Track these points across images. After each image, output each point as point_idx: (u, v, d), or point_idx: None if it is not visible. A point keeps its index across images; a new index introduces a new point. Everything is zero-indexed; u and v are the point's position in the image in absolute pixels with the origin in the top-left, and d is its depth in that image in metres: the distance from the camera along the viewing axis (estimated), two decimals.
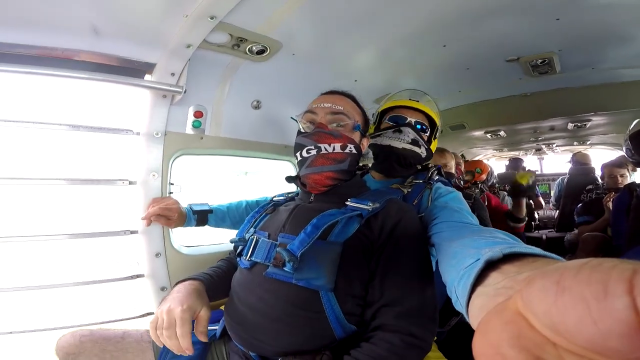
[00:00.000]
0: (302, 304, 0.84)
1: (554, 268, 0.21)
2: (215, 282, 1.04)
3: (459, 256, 0.56)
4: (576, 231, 3.08)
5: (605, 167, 3.12)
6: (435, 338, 1.21)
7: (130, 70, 1.22)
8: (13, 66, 1.03)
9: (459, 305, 0.47)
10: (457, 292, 0.49)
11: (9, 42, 1.02)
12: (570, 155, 4.48)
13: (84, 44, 1.11)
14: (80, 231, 1.39)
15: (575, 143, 4.00)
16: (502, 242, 0.52)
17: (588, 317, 0.17)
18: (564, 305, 0.18)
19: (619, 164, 3.01)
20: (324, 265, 0.84)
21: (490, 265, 0.42)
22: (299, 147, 1.02)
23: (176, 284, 0.98)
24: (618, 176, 2.94)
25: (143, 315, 1.48)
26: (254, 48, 1.32)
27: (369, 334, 0.82)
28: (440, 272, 0.67)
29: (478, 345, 0.23)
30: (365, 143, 1.12)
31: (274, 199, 1.19)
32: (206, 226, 1.45)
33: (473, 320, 0.39)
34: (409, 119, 1.25)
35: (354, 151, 1.03)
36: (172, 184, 1.50)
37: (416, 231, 0.92)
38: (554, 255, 0.40)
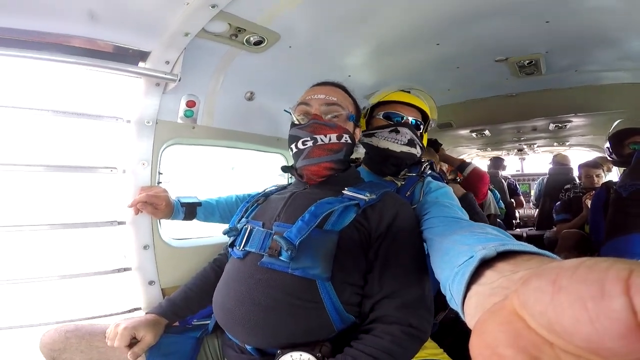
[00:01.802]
0: (299, 294, 0.84)
1: (550, 267, 0.21)
2: (180, 307, 1.09)
3: (451, 253, 0.56)
4: (555, 229, 3.19)
5: (582, 167, 3.26)
6: None
7: (124, 57, 1.19)
8: (3, 50, 0.98)
9: (453, 303, 0.47)
10: (451, 290, 0.49)
11: (2, 26, 0.98)
12: (551, 156, 4.65)
13: (79, 29, 1.07)
14: (65, 221, 1.35)
15: (555, 144, 4.15)
16: (494, 238, 0.52)
17: (585, 317, 0.17)
18: (561, 305, 0.18)
19: (594, 164, 3.16)
20: (320, 254, 0.84)
21: (485, 263, 0.42)
22: (293, 139, 1.02)
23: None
24: (594, 176, 3.09)
25: (130, 311, 1.43)
26: (251, 39, 1.30)
27: (368, 326, 0.83)
28: (433, 268, 0.67)
29: (475, 345, 0.23)
30: (358, 133, 1.11)
31: (266, 190, 1.17)
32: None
33: (469, 319, 0.38)
34: (405, 117, 1.23)
35: (349, 141, 1.03)
36: (162, 174, 1.47)
37: (413, 224, 0.93)
38: (548, 253, 0.40)
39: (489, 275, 0.39)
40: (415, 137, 1.22)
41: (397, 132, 1.20)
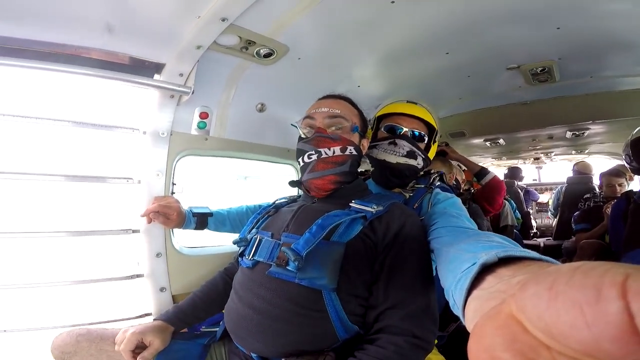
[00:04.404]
0: (305, 303, 0.85)
1: (547, 272, 0.21)
2: (186, 314, 1.10)
3: (456, 261, 0.56)
4: (574, 239, 3.10)
5: (603, 176, 3.16)
6: (437, 342, 1.22)
7: (140, 69, 1.23)
8: (24, 61, 1.03)
9: (456, 308, 0.48)
10: (454, 296, 0.50)
11: (23, 37, 1.03)
12: (569, 164, 4.54)
13: (97, 41, 1.12)
14: (82, 229, 1.39)
15: (573, 152, 4.04)
16: (498, 245, 0.53)
17: (581, 322, 0.17)
18: (557, 309, 0.19)
19: (616, 172, 3.05)
20: (326, 265, 0.85)
21: (486, 269, 0.42)
22: (300, 152, 1.04)
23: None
24: (616, 185, 2.98)
25: (141, 316, 1.46)
26: (261, 51, 1.34)
27: (372, 336, 0.83)
28: (439, 277, 0.67)
29: (473, 349, 0.24)
30: (365, 144, 1.13)
31: (276, 202, 1.20)
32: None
33: (469, 324, 0.39)
34: (404, 129, 1.23)
35: (354, 152, 1.04)
36: (175, 184, 1.50)
37: (419, 235, 0.93)
38: (548, 258, 0.41)
39: (489, 280, 0.40)
40: (416, 149, 1.21)
41: (395, 144, 1.20)
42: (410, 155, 1.20)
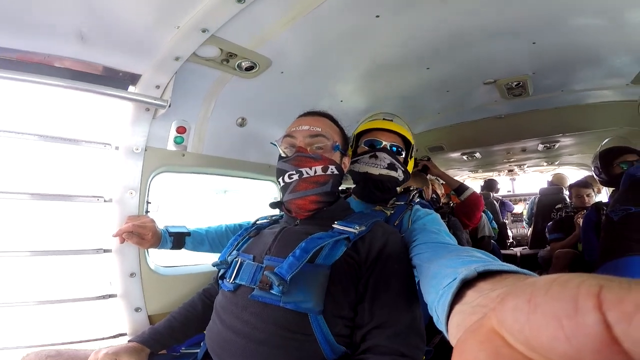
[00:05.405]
0: (291, 327, 0.83)
1: (525, 286, 0.21)
2: (163, 336, 1.07)
3: (438, 276, 0.57)
4: (548, 248, 3.21)
5: (571, 187, 3.32)
6: (425, 357, 1.20)
7: (113, 80, 1.17)
8: None
9: (439, 324, 0.48)
10: (437, 312, 0.50)
11: None
12: (540, 175, 4.74)
13: (68, 50, 1.05)
14: (50, 248, 1.30)
15: (544, 163, 4.22)
16: (477, 260, 0.53)
17: (561, 334, 0.18)
18: (537, 322, 0.19)
19: (584, 184, 3.21)
20: (312, 289, 0.84)
21: (467, 284, 0.43)
22: (280, 172, 1.03)
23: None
24: (585, 196, 3.14)
25: (115, 336, 1.39)
26: (243, 64, 1.31)
27: (359, 356, 0.82)
28: (422, 293, 0.68)
29: None
30: (347, 162, 1.13)
31: (257, 222, 1.18)
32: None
33: (452, 339, 0.40)
34: (384, 143, 1.26)
35: (336, 172, 1.04)
36: (150, 203, 1.43)
37: (401, 252, 0.93)
38: (525, 270, 0.42)
39: (470, 295, 0.41)
40: (396, 162, 1.25)
41: (376, 157, 1.23)
42: (391, 167, 1.23)
